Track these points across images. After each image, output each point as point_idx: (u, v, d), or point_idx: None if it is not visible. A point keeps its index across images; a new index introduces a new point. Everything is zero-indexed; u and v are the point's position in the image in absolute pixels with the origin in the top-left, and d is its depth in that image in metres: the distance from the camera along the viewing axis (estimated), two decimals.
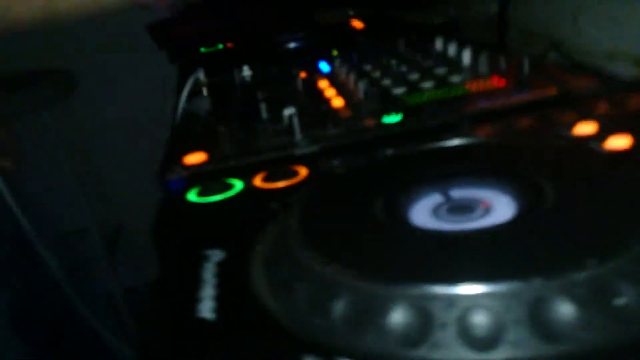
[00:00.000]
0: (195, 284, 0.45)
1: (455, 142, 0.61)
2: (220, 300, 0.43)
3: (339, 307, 0.38)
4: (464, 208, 0.47)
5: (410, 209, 0.48)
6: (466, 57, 0.92)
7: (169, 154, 0.78)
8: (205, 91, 0.98)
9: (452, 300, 0.35)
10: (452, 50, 0.98)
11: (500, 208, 0.46)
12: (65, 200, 1.88)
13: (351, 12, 1.54)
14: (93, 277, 1.87)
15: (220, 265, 0.48)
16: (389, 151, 0.65)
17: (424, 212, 0.47)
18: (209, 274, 0.46)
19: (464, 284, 0.35)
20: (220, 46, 1.30)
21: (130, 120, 2.08)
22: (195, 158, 0.74)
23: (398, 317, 0.36)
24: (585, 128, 0.62)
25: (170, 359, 0.39)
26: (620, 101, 0.69)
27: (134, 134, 2.08)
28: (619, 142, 0.57)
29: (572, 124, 0.63)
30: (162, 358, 0.39)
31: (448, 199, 0.49)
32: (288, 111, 0.77)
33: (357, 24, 1.43)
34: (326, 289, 0.39)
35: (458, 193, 0.49)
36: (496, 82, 0.84)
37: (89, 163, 2.04)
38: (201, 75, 1.00)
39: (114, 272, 1.95)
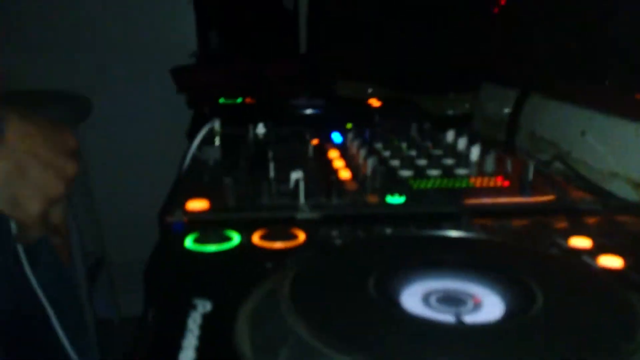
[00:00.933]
0: (179, 331, 0.45)
1: (458, 233, 0.63)
2: (201, 351, 0.43)
3: None
4: (455, 300, 0.48)
5: (402, 292, 0.49)
6: (475, 152, 0.95)
7: (172, 197, 0.79)
8: (217, 141, 1.00)
9: None
10: (462, 143, 1.00)
11: (490, 305, 0.47)
12: None
13: (370, 90, 1.58)
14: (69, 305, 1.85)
15: (207, 316, 0.48)
16: (389, 230, 0.66)
17: (415, 297, 0.48)
18: (194, 323, 0.47)
19: None
20: (239, 100, 1.33)
21: (135, 156, 2.10)
22: (197, 205, 0.75)
23: None
24: (581, 242, 0.64)
25: None
26: (617, 222, 0.70)
27: (136, 169, 2.10)
28: (611, 261, 0.59)
29: (568, 236, 0.65)
30: None
31: (443, 288, 0.50)
32: (295, 175, 0.79)
33: (375, 102, 1.47)
34: (309, 356, 0.39)
35: (451, 284, 0.50)
36: (500, 181, 0.86)
37: (85, 189, 2.04)
38: (217, 125, 1.02)
39: (90, 302, 1.93)
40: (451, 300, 0.48)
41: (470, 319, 0.45)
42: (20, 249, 0.81)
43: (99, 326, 1.91)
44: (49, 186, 0.63)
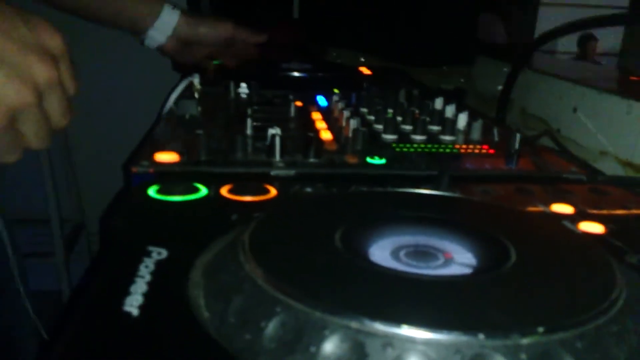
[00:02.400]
0: (129, 277, 0.42)
1: (433, 192, 0.59)
2: (150, 298, 0.40)
3: (272, 326, 0.35)
4: (425, 254, 0.45)
5: (370, 246, 0.46)
6: (462, 120, 0.91)
7: (141, 148, 0.75)
8: (196, 96, 0.96)
9: (390, 340, 0.33)
10: (449, 111, 0.97)
11: (462, 262, 0.44)
12: (32, 186, 1.84)
13: (362, 59, 1.55)
14: (45, 271, 1.81)
15: (160, 263, 0.45)
16: (364, 188, 0.63)
17: (383, 251, 0.45)
18: (145, 269, 0.43)
19: (406, 326, 0.33)
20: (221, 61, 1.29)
21: (117, 119, 2.05)
22: (166, 157, 0.71)
23: (330, 347, 0.33)
24: (562, 208, 0.61)
25: (83, 344, 0.36)
26: (600, 191, 0.68)
27: (118, 132, 2.05)
28: (592, 227, 0.56)
29: (550, 202, 0.62)
30: (75, 342, 0.36)
31: (413, 243, 0.47)
32: (272, 130, 0.75)
33: (365, 70, 1.43)
34: (263, 304, 0.36)
35: (422, 240, 0.47)
36: (486, 149, 0.83)
37: (67, 155, 2.00)
38: (196, 80, 0.99)
39: (67, 270, 1.89)
40: (421, 255, 0.45)
41: (439, 273, 0.42)
42: None
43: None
44: (3, 92, 0.47)
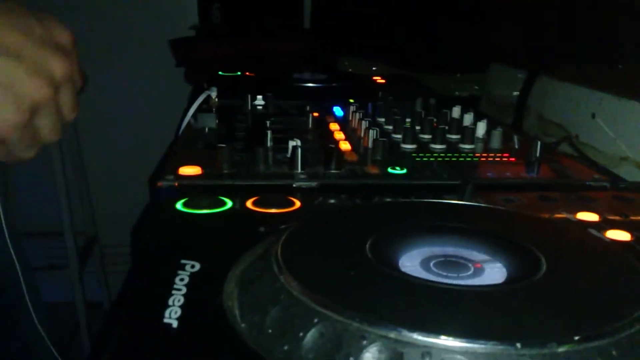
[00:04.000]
0: (166, 289, 0.43)
1: (458, 201, 0.60)
2: (187, 309, 0.41)
3: (310, 337, 0.35)
4: (455, 264, 0.45)
5: (400, 256, 0.46)
6: (481, 128, 0.91)
7: (164, 162, 0.76)
8: (214, 110, 0.97)
9: (428, 350, 0.33)
10: (468, 119, 0.97)
11: (491, 271, 0.44)
12: (47, 199, 1.84)
13: (374, 68, 1.55)
14: (59, 283, 1.82)
15: (195, 276, 0.45)
16: (388, 199, 0.63)
17: (414, 261, 0.45)
18: (181, 282, 0.44)
19: (443, 336, 0.33)
20: (239, 73, 1.30)
21: (131, 133, 2.06)
22: (190, 170, 0.72)
23: (369, 357, 0.34)
24: (588, 216, 0.61)
25: (128, 356, 0.37)
26: (625, 198, 0.68)
27: (131, 146, 2.06)
28: (618, 235, 0.56)
29: (575, 211, 0.62)
30: (121, 354, 0.37)
31: (443, 254, 0.47)
32: (293, 142, 0.76)
33: (378, 79, 1.43)
34: (300, 316, 0.37)
35: (451, 250, 0.47)
36: (506, 158, 0.83)
37: (81, 169, 2.00)
38: (213, 93, 0.99)
39: (80, 283, 1.89)
40: (451, 265, 0.45)
41: (471, 283, 0.43)
42: None
43: (88, 309, 1.88)
44: (23, 85, 0.48)
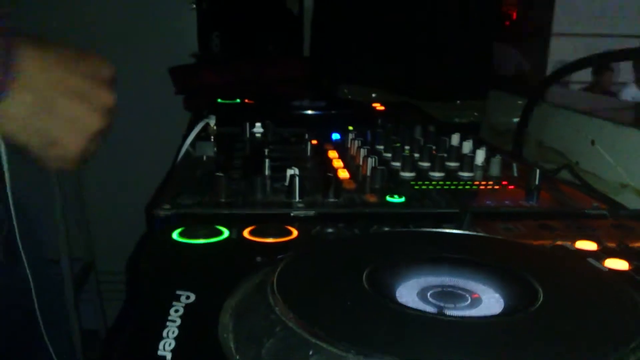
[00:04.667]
0: (161, 321, 0.43)
1: (457, 231, 0.59)
2: (182, 341, 0.40)
3: None
4: (452, 295, 0.44)
5: (397, 286, 0.45)
6: (480, 156, 0.91)
7: (161, 190, 0.76)
8: (212, 138, 0.96)
9: None
10: (467, 147, 0.97)
11: (489, 301, 0.44)
12: (44, 225, 1.83)
13: (374, 95, 1.55)
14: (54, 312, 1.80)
15: (190, 307, 0.45)
16: (386, 228, 0.63)
17: (411, 292, 0.45)
18: (176, 314, 0.44)
19: None
20: (238, 100, 1.30)
21: (129, 160, 2.05)
22: (187, 199, 0.72)
23: None
24: (587, 245, 0.61)
25: None
26: (624, 227, 0.67)
27: (129, 174, 2.05)
28: (617, 264, 0.56)
29: (574, 239, 0.62)
30: None
31: (440, 284, 0.46)
32: (291, 171, 0.75)
33: (378, 106, 1.43)
34: (296, 348, 0.36)
35: (448, 280, 0.47)
36: (505, 186, 0.82)
37: (78, 195, 2.00)
38: (212, 121, 0.99)
39: (76, 310, 1.88)
40: (448, 295, 0.44)
41: (468, 314, 0.42)
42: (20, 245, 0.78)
43: (84, 337, 1.86)
44: (84, 120, 0.58)
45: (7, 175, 0.72)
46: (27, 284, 0.83)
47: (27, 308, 0.86)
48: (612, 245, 0.61)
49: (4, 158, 0.70)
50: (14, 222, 0.79)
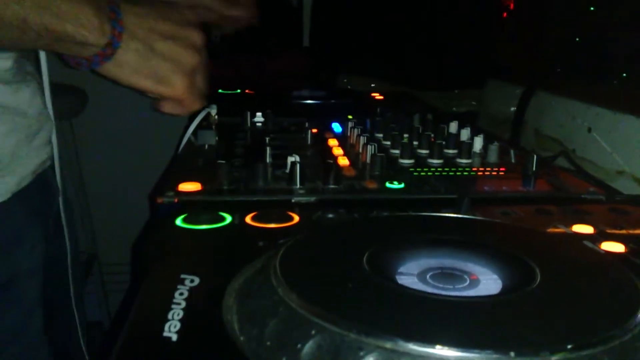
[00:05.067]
0: (166, 304, 0.43)
1: (455, 215, 0.60)
2: (187, 323, 0.41)
3: (308, 348, 0.36)
4: (452, 276, 0.46)
5: (397, 268, 0.47)
6: (478, 143, 0.92)
7: (164, 178, 0.77)
8: (213, 127, 0.98)
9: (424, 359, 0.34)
10: (465, 134, 0.98)
11: (487, 282, 0.45)
12: None
13: (373, 85, 1.56)
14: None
15: (194, 290, 0.46)
16: (386, 212, 0.64)
17: (410, 274, 0.46)
18: (180, 297, 0.45)
19: (438, 345, 0.34)
20: (238, 91, 1.31)
21: (130, 152, 2.06)
22: (189, 186, 0.73)
23: None
24: (583, 229, 0.62)
25: None
26: (620, 211, 0.68)
27: (131, 165, 2.05)
28: (613, 246, 0.57)
29: (570, 223, 0.63)
30: None
31: (439, 266, 0.48)
32: (292, 158, 0.76)
33: (377, 95, 1.44)
34: (298, 328, 0.37)
35: (448, 262, 0.48)
36: (503, 172, 0.84)
37: (81, 186, 2.00)
38: (213, 111, 1.00)
39: (80, 301, 1.89)
40: (447, 277, 0.46)
41: (466, 294, 0.43)
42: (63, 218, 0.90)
43: (87, 328, 1.87)
44: (181, 57, 0.67)
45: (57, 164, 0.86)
46: (65, 256, 0.96)
47: (62, 275, 0.96)
48: (608, 228, 0.62)
49: (55, 146, 0.83)
50: (60, 201, 0.92)
